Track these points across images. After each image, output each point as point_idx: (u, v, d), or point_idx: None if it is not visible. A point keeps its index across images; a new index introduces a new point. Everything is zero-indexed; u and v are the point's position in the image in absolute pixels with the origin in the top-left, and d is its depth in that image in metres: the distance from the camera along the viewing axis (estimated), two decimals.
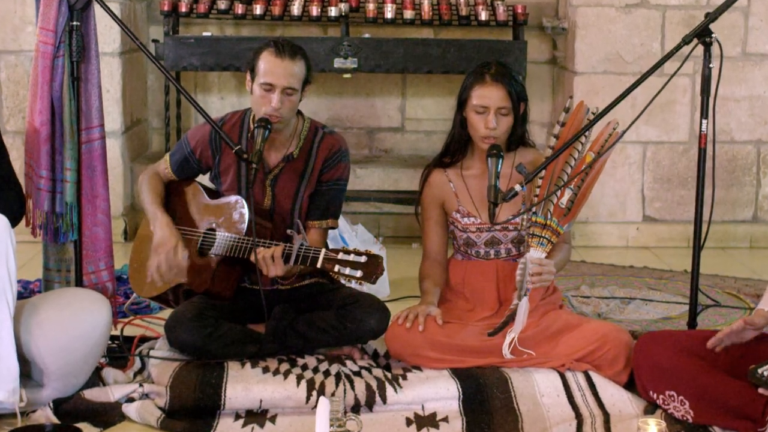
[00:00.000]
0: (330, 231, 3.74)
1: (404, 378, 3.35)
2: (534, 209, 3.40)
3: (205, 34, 5.58)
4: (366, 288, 3.43)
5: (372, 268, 3.23)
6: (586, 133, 3.42)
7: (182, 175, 3.73)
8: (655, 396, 3.18)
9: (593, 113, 3.44)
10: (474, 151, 3.64)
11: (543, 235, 3.38)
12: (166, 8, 5.44)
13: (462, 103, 3.58)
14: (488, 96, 3.50)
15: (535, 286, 3.35)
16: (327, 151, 3.63)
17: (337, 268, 3.25)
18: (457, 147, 3.65)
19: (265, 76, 3.47)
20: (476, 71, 3.57)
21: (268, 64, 3.48)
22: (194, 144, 3.68)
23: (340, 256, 3.26)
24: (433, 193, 3.67)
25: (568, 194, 3.39)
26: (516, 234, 3.59)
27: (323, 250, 3.30)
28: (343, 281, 3.26)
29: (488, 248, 3.62)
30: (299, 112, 3.69)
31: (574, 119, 3.45)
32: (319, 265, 3.29)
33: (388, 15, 5.48)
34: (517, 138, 3.62)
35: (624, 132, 3.38)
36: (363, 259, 3.24)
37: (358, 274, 3.23)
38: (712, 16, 3.35)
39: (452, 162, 3.66)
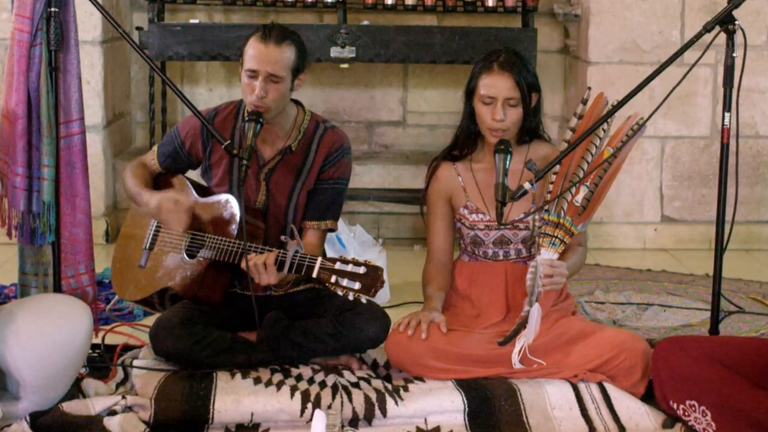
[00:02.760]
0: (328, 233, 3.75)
1: (406, 389, 3.35)
2: (546, 207, 3.40)
3: (192, 21, 5.58)
4: (364, 298, 3.42)
5: (371, 280, 3.22)
6: (604, 127, 3.42)
7: (170, 169, 3.73)
8: (675, 406, 3.18)
9: (613, 106, 3.44)
10: (484, 144, 3.64)
11: (555, 234, 3.39)
12: None
13: (470, 93, 3.59)
14: (495, 85, 3.50)
15: (545, 289, 3.35)
16: (328, 148, 3.63)
17: (333, 278, 3.25)
18: (466, 140, 3.65)
19: (249, 62, 3.48)
20: (484, 59, 3.57)
21: (252, 49, 3.49)
22: (185, 135, 3.68)
23: (338, 266, 3.26)
24: (439, 187, 3.67)
25: (583, 191, 3.39)
26: (527, 233, 3.59)
27: (319, 259, 3.29)
28: (339, 293, 3.25)
29: (497, 248, 3.62)
30: (300, 104, 3.69)
31: (593, 112, 3.45)
32: (314, 274, 3.29)
33: (389, 1, 5.49)
34: (530, 131, 3.62)
35: (642, 125, 3.38)
36: (362, 270, 3.24)
37: (356, 286, 3.23)
38: (735, 2, 3.34)
39: (461, 155, 3.66)
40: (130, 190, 3.68)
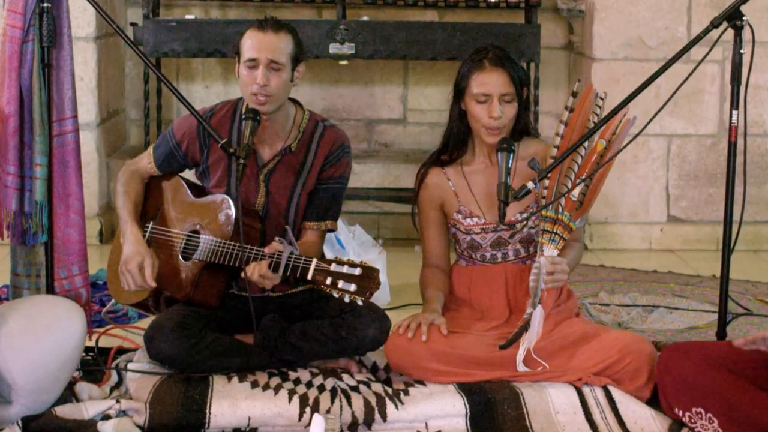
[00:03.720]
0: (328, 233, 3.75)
1: (406, 393, 3.35)
2: (544, 203, 3.40)
3: (188, 16, 5.58)
4: (360, 300, 3.42)
5: (367, 281, 3.22)
6: (595, 120, 3.43)
7: (166, 170, 3.73)
8: (680, 413, 3.18)
9: (602, 98, 3.46)
10: (475, 146, 3.64)
11: (554, 230, 3.39)
12: None
13: (460, 94, 3.59)
14: (489, 82, 3.51)
15: (547, 286, 3.36)
16: (329, 147, 3.63)
17: (328, 280, 3.25)
18: (456, 143, 3.65)
19: (248, 52, 3.49)
20: (472, 57, 3.58)
21: (250, 39, 3.50)
22: (180, 136, 3.67)
23: (333, 267, 3.26)
24: (430, 195, 3.67)
25: (579, 186, 3.40)
26: (525, 233, 3.59)
27: (314, 261, 3.29)
28: (335, 295, 3.25)
29: (494, 251, 3.63)
30: (298, 103, 3.69)
31: (583, 104, 3.47)
32: (309, 276, 3.29)
33: None
34: (522, 127, 3.63)
35: (646, 125, 3.38)
36: (357, 271, 3.23)
37: (352, 288, 3.23)
38: None
39: (450, 160, 3.66)
40: (117, 208, 3.67)
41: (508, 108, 3.53)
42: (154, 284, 3.49)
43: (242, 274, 3.42)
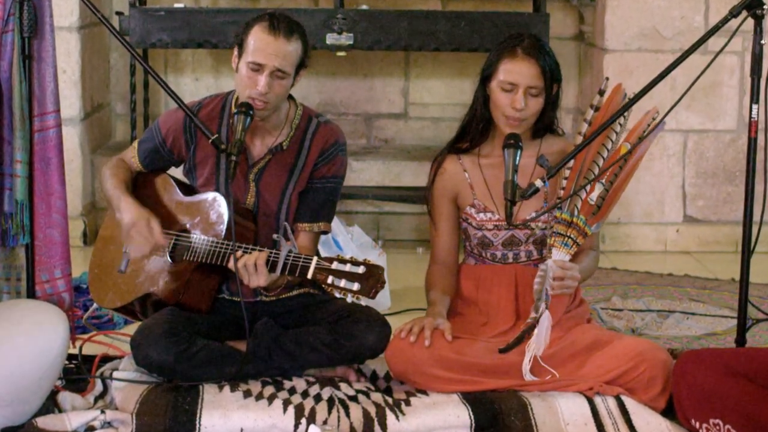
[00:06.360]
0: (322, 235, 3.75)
1: (408, 403, 3.36)
2: (559, 205, 3.40)
3: (177, 5, 5.58)
4: (364, 300, 3.44)
5: (371, 280, 3.22)
6: (621, 121, 3.43)
7: (151, 167, 3.74)
8: (697, 425, 3.18)
9: (630, 99, 3.44)
10: (495, 136, 3.64)
11: (568, 234, 3.39)
12: None
13: (486, 78, 3.59)
14: (518, 72, 3.50)
15: (555, 292, 3.36)
16: (322, 144, 3.63)
17: (330, 279, 3.25)
18: (476, 129, 3.64)
19: (254, 54, 3.47)
20: (506, 43, 3.58)
21: (258, 41, 3.48)
22: (166, 131, 3.68)
23: (335, 266, 3.26)
24: (445, 184, 3.67)
25: (598, 189, 3.40)
26: (539, 234, 3.59)
27: (315, 259, 3.29)
28: (337, 295, 3.26)
29: (506, 250, 3.63)
30: (291, 97, 3.69)
31: (610, 104, 3.46)
32: (309, 275, 3.29)
33: None
34: (546, 124, 3.62)
35: (662, 119, 3.39)
36: (361, 269, 3.24)
37: (355, 287, 3.23)
38: None
39: (469, 148, 3.66)
40: (107, 192, 3.68)
41: (533, 102, 3.53)
42: (165, 241, 3.50)
43: (230, 264, 3.40)
